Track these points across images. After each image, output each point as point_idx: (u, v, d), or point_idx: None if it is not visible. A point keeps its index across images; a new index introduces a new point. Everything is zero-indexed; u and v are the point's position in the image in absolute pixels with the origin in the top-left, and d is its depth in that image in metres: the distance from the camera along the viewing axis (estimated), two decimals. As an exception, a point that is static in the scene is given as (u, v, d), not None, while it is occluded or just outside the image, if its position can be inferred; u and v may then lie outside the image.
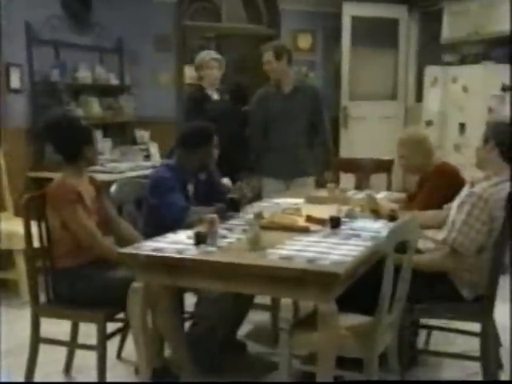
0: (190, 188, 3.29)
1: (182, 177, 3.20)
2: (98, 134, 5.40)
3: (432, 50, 6.92)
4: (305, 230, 2.81)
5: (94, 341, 2.86)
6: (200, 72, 4.61)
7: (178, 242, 2.62)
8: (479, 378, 2.84)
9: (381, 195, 3.67)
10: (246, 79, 8.51)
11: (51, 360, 3.18)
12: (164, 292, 2.77)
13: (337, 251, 2.45)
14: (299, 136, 4.33)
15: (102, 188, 3.12)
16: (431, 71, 6.46)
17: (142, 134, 6.11)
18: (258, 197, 3.92)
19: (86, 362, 3.18)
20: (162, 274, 2.49)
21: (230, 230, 2.84)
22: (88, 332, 3.08)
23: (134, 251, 2.52)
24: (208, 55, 4.60)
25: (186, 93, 6.64)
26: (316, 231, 2.81)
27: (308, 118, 4.33)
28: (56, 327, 3.05)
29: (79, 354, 3.20)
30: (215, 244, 2.56)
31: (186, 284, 2.57)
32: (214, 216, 2.64)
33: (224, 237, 2.69)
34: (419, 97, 7.18)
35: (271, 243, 2.55)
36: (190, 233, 2.71)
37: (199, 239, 2.55)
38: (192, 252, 2.48)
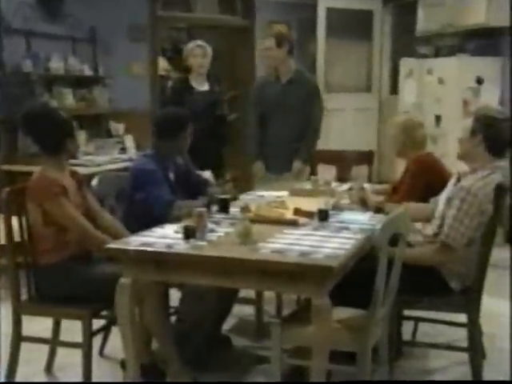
0: (172, 176, 3.25)
1: (163, 166, 3.16)
2: (72, 126, 5.28)
3: (406, 42, 6.95)
4: (293, 223, 2.78)
5: (75, 338, 2.80)
6: (187, 62, 4.56)
7: (166, 237, 2.57)
8: (467, 367, 2.87)
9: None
10: (218, 71, 8.44)
11: (30, 359, 3.08)
12: (151, 287, 2.71)
13: (328, 244, 2.43)
14: (293, 129, 4.29)
15: (83, 181, 3.04)
16: (406, 63, 6.49)
17: (117, 127, 6.01)
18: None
19: (67, 359, 3.11)
20: (151, 269, 2.43)
21: (217, 223, 2.79)
22: (68, 329, 3.01)
23: (123, 246, 2.46)
24: (193, 43, 4.56)
25: (160, 84, 6.58)
26: (304, 224, 2.79)
27: (303, 111, 4.28)
28: (34, 325, 2.97)
29: (59, 351, 3.13)
30: (204, 238, 2.52)
31: (176, 279, 2.53)
32: (203, 209, 2.60)
33: (212, 230, 2.65)
34: (394, 89, 7.22)
35: (261, 237, 2.51)
36: (177, 227, 2.67)
37: (188, 233, 2.50)
38: (182, 246, 2.43)
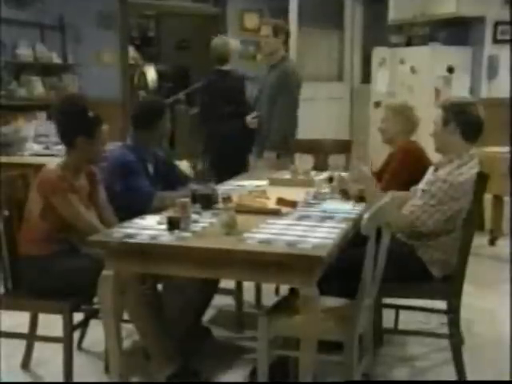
0: (150, 168, 3.20)
1: (141, 157, 3.11)
2: (42, 116, 5.16)
3: (378, 31, 6.96)
4: (276, 213, 2.76)
5: (51, 332, 2.74)
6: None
7: (148, 228, 2.52)
8: (446, 353, 2.91)
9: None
10: (187, 59, 8.33)
11: (4, 355, 2.99)
12: (133, 280, 2.66)
13: (314, 234, 2.42)
14: (265, 113, 4.44)
15: (99, 181, 2.95)
16: (379, 52, 6.51)
17: (87, 116, 5.88)
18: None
19: (43, 355, 3.04)
20: (135, 261, 2.38)
21: (198, 213, 2.76)
22: (43, 323, 2.94)
23: (106, 238, 2.40)
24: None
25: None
26: (287, 214, 2.77)
27: (273, 96, 4.40)
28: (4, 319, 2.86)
29: (36, 346, 3.04)
30: (189, 229, 2.48)
31: (160, 271, 2.47)
32: (187, 200, 2.55)
33: (195, 221, 2.61)
34: (365, 78, 7.23)
35: (245, 227, 2.48)
36: (159, 218, 2.62)
37: (173, 224, 2.45)
38: (166, 238, 2.39)
